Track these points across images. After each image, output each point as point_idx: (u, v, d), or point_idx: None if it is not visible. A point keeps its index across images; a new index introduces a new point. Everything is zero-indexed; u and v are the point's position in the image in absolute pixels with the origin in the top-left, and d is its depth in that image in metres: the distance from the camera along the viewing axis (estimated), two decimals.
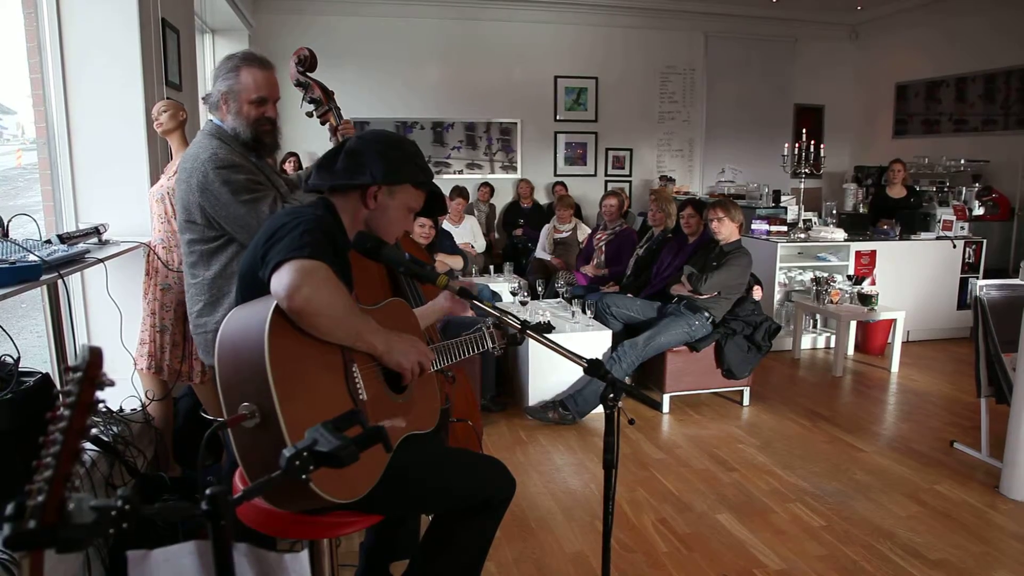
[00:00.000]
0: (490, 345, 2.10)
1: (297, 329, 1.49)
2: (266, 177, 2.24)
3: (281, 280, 1.46)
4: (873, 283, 5.72)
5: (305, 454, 1.01)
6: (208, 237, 2.18)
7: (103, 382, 0.88)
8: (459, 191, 7.18)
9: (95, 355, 0.87)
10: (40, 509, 0.79)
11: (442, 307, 2.10)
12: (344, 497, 1.51)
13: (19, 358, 2.15)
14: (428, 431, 1.83)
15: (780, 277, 5.88)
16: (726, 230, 4.42)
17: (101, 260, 2.68)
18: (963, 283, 6.17)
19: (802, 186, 7.07)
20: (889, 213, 6.57)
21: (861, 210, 7.23)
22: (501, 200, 8.84)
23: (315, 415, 1.31)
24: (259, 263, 1.57)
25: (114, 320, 3.01)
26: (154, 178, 3.36)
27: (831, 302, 5.42)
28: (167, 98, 3.54)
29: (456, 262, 5.14)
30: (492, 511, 1.84)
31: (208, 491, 0.96)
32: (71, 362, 0.88)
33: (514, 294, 4.79)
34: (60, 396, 0.86)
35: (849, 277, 5.72)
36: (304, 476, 1.00)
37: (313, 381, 1.52)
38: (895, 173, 6.83)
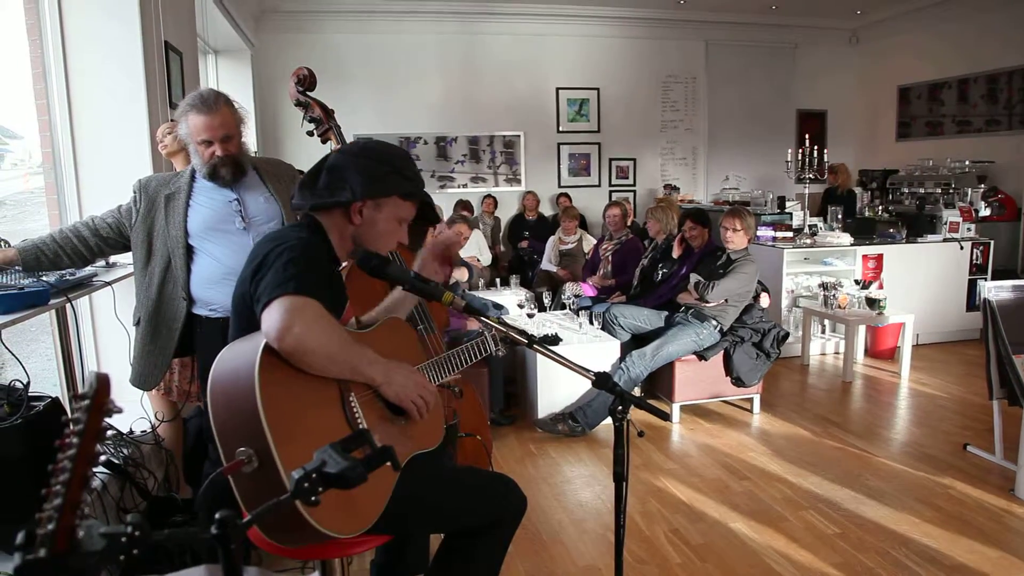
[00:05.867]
0: (493, 348, 2.10)
1: (289, 366, 1.46)
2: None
3: (271, 320, 1.44)
4: (881, 287, 5.69)
5: (314, 475, 1.01)
6: None
7: (111, 409, 0.88)
8: (464, 204, 7.19)
9: (102, 382, 0.87)
10: (50, 537, 0.80)
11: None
12: (350, 531, 1.49)
13: (29, 383, 2.16)
14: (433, 449, 1.82)
15: (787, 283, 5.86)
16: (740, 240, 4.41)
17: (108, 283, 2.69)
18: (971, 285, 6.12)
19: (807, 191, 7.07)
20: None
21: (867, 214, 7.21)
22: (506, 213, 8.86)
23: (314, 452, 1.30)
24: (251, 298, 1.56)
25: (123, 342, 3.01)
26: None
27: (839, 307, 5.39)
28: (172, 120, 3.57)
29: (461, 274, 5.13)
30: (504, 529, 1.83)
31: (217, 515, 0.96)
32: (80, 385, 0.88)
33: (521, 307, 4.78)
34: (69, 424, 0.86)
35: (856, 282, 5.69)
36: (313, 499, 0.99)
37: (310, 418, 1.49)
38: None
